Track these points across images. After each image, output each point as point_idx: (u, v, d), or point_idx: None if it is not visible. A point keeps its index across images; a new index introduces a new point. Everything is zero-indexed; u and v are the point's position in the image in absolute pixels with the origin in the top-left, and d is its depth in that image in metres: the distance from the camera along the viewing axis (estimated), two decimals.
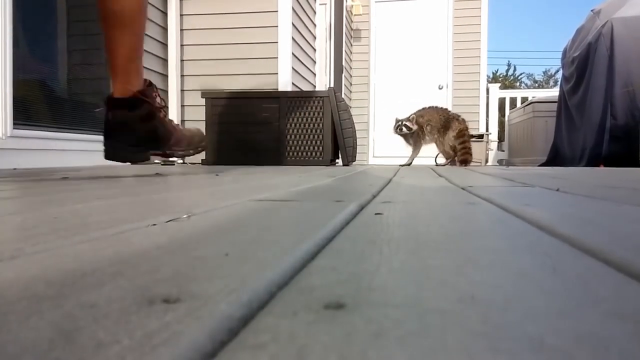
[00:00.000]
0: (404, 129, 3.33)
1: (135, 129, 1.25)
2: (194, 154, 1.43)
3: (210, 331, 0.16)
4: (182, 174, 1.67)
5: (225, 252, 0.30)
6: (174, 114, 3.39)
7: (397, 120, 3.39)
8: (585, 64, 4.53)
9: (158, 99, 1.29)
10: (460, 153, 3.27)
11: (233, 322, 0.17)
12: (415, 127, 3.32)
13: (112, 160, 1.28)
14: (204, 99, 3.04)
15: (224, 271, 0.25)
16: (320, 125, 2.95)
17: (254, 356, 0.15)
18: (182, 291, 0.21)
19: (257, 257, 0.28)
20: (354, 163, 3.12)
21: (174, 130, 1.37)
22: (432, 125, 3.33)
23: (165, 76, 3.35)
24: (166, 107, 1.34)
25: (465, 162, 3.26)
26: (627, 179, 1.38)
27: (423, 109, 3.43)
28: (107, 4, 1.14)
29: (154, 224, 0.42)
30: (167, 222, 0.44)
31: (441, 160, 3.45)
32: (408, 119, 3.34)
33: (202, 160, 3.12)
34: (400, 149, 3.68)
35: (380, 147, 6.13)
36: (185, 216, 0.47)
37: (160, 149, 1.33)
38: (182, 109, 3.47)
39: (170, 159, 1.27)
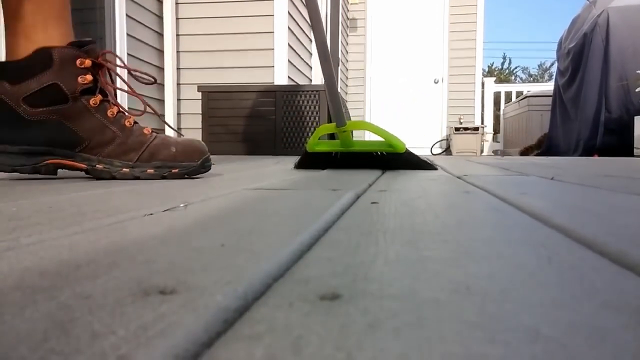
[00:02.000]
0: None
1: None
2: None
3: (206, 322, 0.16)
4: None
5: (221, 243, 0.30)
6: (170, 108, 3.38)
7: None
8: (581, 56, 4.52)
9: None
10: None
11: (229, 314, 0.17)
12: None
13: None
14: (200, 93, 3.03)
15: (220, 262, 0.25)
16: (317, 118, 2.95)
17: (250, 347, 0.15)
18: (178, 282, 0.21)
19: (253, 248, 0.28)
20: None
21: None
22: None
23: (161, 69, 3.33)
24: None
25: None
26: (622, 168, 1.38)
27: None
28: None
29: (151, 214, 0.42)
30: (163, 211, 0.43)
31: (436, 150, 3.51)
32: None
33: None
34: None
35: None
36: (182, 205, 0.47)
37: None
38: (178, 102, 3.45)
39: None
